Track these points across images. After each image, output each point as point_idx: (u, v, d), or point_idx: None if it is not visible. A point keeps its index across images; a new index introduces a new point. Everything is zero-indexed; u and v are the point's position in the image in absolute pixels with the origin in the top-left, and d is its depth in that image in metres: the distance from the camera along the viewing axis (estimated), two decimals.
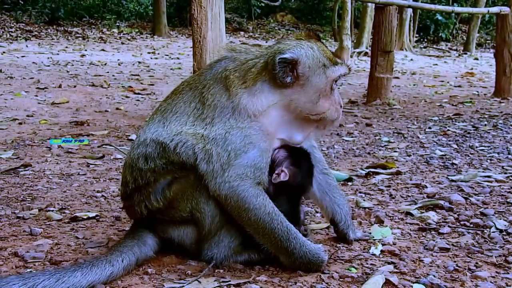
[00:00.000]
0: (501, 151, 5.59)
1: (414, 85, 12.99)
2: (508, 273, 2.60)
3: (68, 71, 12.49)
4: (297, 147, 2.78)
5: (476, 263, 2.71)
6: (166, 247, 2.78)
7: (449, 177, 4.51)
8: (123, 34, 23.35)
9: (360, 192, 4.08)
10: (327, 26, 28.24)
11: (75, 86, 10.26)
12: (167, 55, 18.33)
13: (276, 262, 2.63)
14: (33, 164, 4.89)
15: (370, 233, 3.13)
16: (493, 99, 10.28)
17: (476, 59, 22.31)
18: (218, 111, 2.62)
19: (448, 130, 6.89)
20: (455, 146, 5.86)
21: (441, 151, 5.60)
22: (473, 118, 7.91)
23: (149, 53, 18.62)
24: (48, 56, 15.57)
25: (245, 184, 2.52)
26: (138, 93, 10.05)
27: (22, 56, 15.07)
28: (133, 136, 6.02)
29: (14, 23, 22.11)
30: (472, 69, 18.14)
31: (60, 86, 10.10)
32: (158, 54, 18.53)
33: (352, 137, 6.50)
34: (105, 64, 14.59)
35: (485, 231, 3.17)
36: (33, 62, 13.72)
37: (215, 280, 2.48)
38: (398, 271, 2.61)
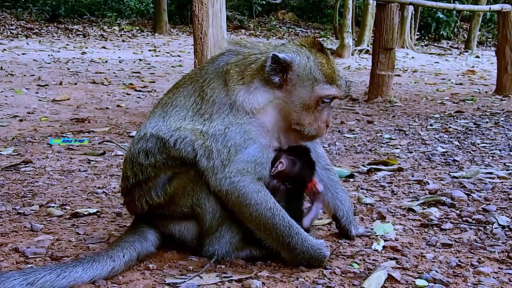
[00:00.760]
0: (502, 148, 5.57)
1: (415, 82, 12.97)
2: (511, 269, 2.59)
3: (69, 69, 12.48)
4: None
5: (479, 258, 2.71)
6: (167, 243, 2.77)
7: (451, 173, 4.49)
8: (124, 31, 23.33)
9: (362, 189, 4.07)
10: (328, 24, 28.18)
11: (75, 84, 10.25)
12: (168, 52, 18.31)
13: (277, 258, 2.62)
14: (34, 160, 4.88)
15: (372, 229, 3.12)
16: (495, 96, 10.25)
17: (478, 57, 22.26)
18: (216, 107, 2.61)
19: (450, 127, 6.87)
20: (457, 143, 5.85)
21: (442, 148, 5.59)
22: (474, 116, 7.89)
23: (150, 50, 18.61)
24: (49, 53, 15.56)
25: (245, 180, 2.51)
26: (139, 91, 10.03)
27: (23, 54, 15.06)
28: (134, 133, 6.00)
29: (15, 21, 22.10)
30: (473, 67, 18.09)
31: (60, 83, 10.09)
32: (159, 51, 18.52)
33: (353, 134, 6.49)
34: (106, 61, 14.58)
35: (488, 227, 3.16)
36: (34, 60, 13.71)
37: (216, 276, 2.47)
38: (400, 266, 2.60)
